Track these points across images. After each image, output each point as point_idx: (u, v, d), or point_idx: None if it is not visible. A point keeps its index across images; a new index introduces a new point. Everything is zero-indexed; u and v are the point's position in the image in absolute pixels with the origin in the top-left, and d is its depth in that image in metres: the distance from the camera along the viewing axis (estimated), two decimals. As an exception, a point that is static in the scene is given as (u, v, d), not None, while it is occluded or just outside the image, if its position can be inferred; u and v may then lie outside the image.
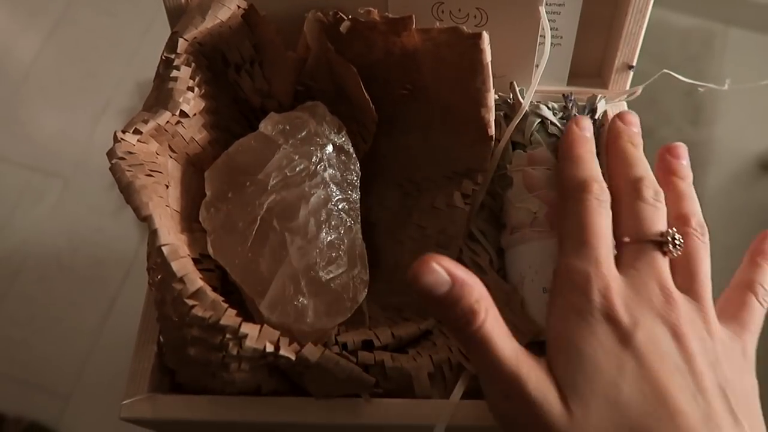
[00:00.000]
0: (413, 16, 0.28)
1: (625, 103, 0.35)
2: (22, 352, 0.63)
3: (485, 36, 0.27)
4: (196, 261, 0.28)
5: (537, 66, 0.31)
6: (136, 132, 0.28)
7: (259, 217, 0.29)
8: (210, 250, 0.29)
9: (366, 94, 0.30)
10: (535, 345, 0.27)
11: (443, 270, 0.21)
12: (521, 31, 0.30)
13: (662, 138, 0.69)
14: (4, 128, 0.75)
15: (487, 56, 0.27)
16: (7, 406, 0.60)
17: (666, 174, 0.28)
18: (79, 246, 0.68)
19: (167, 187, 0.29)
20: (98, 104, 0.76)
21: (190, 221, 0.30)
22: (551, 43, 0.32)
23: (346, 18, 0.30)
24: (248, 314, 0.28)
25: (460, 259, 0.30)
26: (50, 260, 0.67)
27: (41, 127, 0.76)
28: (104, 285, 0.66)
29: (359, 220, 0.30)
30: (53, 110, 0.77)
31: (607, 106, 0.33)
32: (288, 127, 0.30)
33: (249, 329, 0.25)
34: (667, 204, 0.26)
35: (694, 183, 0.28)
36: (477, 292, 0.22)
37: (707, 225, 0.26)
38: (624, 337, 0.22)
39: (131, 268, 0.67)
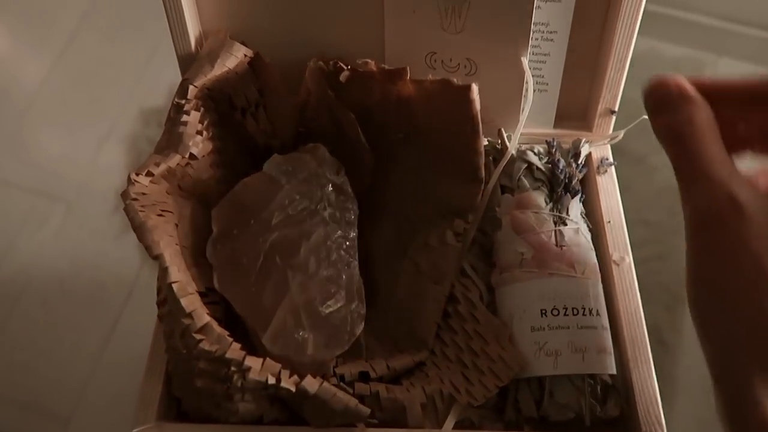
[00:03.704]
0: (408, 67, 0.30)
1: (609, 146, 0.37)
2: (23, 375, 0.64)
3: (474, 88, 0.29)
4: (202, 294, 0.29)
5: (522, 111, 0.33)
6: (149, 174, 0.30)
7: (262, 254, 0.30)
8: (216, 284, 0.31)
9: (363, 138, 0.32)
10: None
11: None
12: (508, 80, 0.32)
13: (654, 165, 0.71)
14: (10, 153, 0.76)
15: (477, 106, 0.29)
16: (7, 428, 0.61)
17: None
18: (81, 269, 0.69)
19: (177, 225, 0.30)
20: (102, 130, 0.78)
21: (197, 256, 0.32)
22: (538, 90, 0.35)
23: (345, 67, 0.32)
24: (251, 344, 0.30)
25: (452, 294, 0.32)
26: (53, 284, 0.68)
27: (46, 152, 0.78)
28: (106, 308, 0.67)
29: (357, 256, 0.32)
30: (58, 135, 0.79)
31: (591, 148, 0.36)
32: (290, 168, 0.32)
33: (252, 362, 0.27)
34: None
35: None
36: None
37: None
38: None
39: (132, 291, 0.68)
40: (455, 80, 0.29)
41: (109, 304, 0.67)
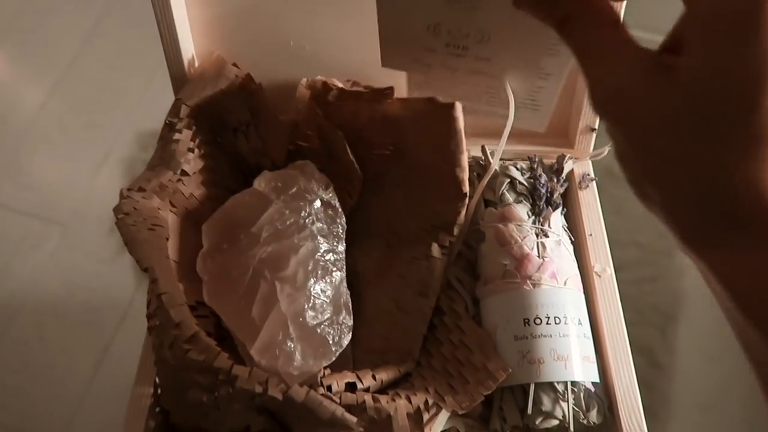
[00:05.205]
0: (393, 87, 0.31)
1: (590, 163, 0.38)
2: (15, 398, 0.63)
3: (458, 105, 0.30)
4: (192, 308, 0.30)
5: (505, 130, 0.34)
6: (141, 190, 0.31)
7: (251, 267, 0.31)
8: (205, 298, 0.31)
9: (351, 156, 0.33)
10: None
11: None
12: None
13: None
14: (8, 176, 0.77)
15: (460, 123, 0.30)
16: (-2, 452, 0.60)
17: None
18: (75, 292, 0.69)
19: (167, 239, 0.31)
20: (99, 154, 0.79)
21: (187, 270, 0.32)
22: (532, 108, 0.35)
23: (333, 87, 0.33)
24: (240, 359, 0.30)
25: (438, 306, 0.32)
26: (46, 307, 0.68)
27: (43, 176, 0.78)
28: (99, 331, 0.67)
29: (344, 270, 0.32)
30: (56, 159, 0.80)
31: (575, 165, 0.37)
32: (280, 184, 0.33)
33: (240, 371, 0.27)
34: None
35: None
36: None
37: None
38: None
39: (126, 314, 0.68)
40: (440, 98, 0.30)
41: (102, 328, 0.67)
